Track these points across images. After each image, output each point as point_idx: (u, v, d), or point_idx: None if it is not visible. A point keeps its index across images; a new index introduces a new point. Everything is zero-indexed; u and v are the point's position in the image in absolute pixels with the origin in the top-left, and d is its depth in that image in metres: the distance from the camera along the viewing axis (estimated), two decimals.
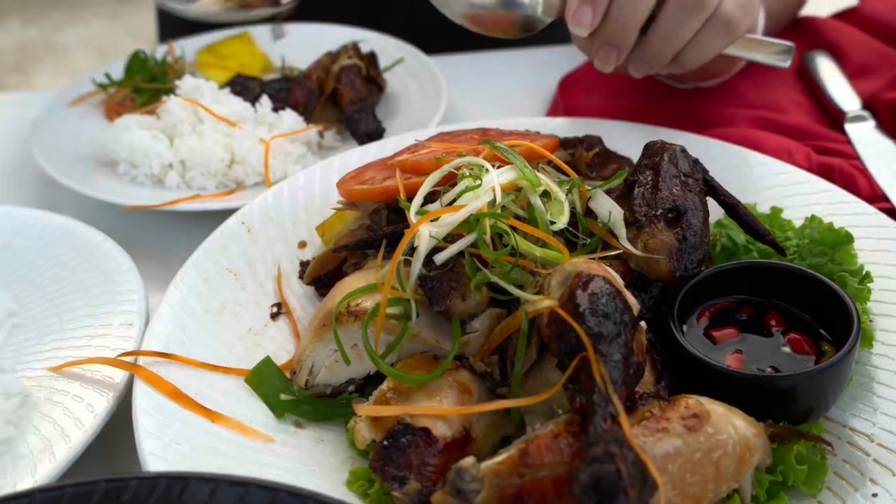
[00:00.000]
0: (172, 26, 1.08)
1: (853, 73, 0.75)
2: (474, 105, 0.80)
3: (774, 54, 0.60)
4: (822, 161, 0.61)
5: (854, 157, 0.64)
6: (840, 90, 0.73)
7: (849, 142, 0.66)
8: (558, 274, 0.41)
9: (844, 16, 0.86)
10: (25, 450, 0.44)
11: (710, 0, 0.56)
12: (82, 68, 3.42)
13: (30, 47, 3.63)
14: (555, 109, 0.76)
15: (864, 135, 0.66)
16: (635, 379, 0.38)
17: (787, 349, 0.42)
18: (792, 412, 0.40)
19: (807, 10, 0.90)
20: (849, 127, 0.68)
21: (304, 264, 0.55)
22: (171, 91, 0.73)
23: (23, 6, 3.99)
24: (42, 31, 3.75)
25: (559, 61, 0.87)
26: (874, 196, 0.59)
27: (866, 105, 0.70)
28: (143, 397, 0.43)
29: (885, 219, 0.51)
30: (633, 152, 0.56)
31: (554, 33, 0.72)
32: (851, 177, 0.60)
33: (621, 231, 0.45)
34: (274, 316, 0.51)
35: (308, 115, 0.71)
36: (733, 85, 0.77)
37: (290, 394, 0.45)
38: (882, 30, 0.80)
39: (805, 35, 0.85)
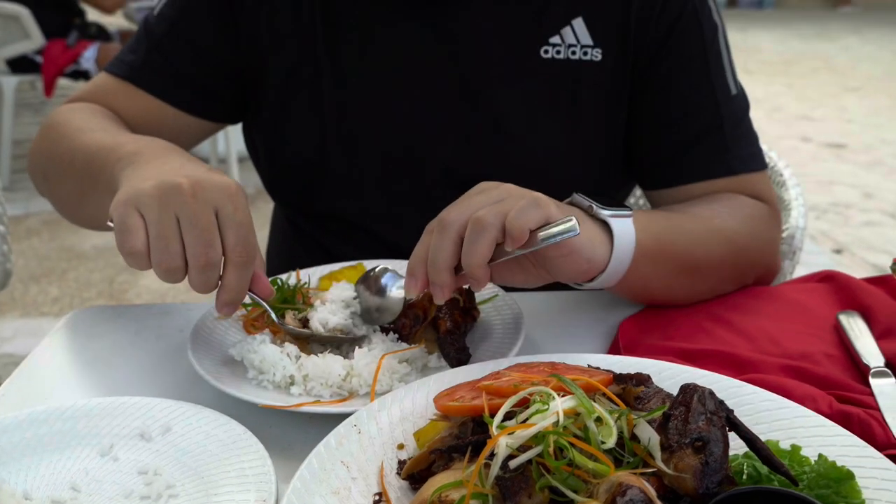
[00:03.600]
0: None
1: (880, 333, 0.90)
2: (546, 337, 0.97)
3: (563, 233, 0.76)
4: (842, 409, 0.74)
5: (875, 407, 0.77)
6: (867, 347, 0.87)
7: (871, 394, 0.79)
8: (605, 483, 0.55)
9: (877, 281, 1.02)
10: None
11: (485, 220, 0.75)
12: None
13: None
14: (614, 347, 0.92)
15: (884, 388, 0.79)
16: None
17: None
18: None
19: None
20: (872, 381, 0.81)
21: (401, 463, 0.70)
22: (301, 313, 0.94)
23: None
24: None
25: (622, 304, 1.04)
26: (888, 443, 0.71)
27: (888, 363, 0.83)
28: None
29: (888, 463, 0.63)
30: (676, 390, 0.71)
31: None
32: (868, 424, 0.72)
33: (657, 453, 0.59)
34: (376, 503, 0.66)
35: (412, 337, 0.90)
36: (774, 336, 0.92)
37: None
38: None
39: (842, 294, 1.01)
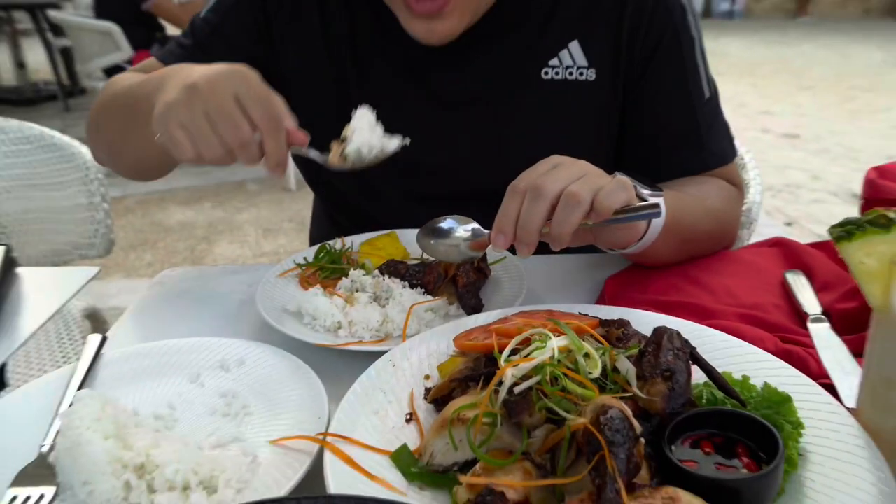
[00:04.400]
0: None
1: (819, 287, 0.90)
2: (545, 291, 0.98)
3: (646, 213, 0.75)
4: (785, 348, 0.75)
5: (812, 346, 0.77)
6: (808, 299, 0.87)
7: (809, 336, 0.80)
8: (591, 405, 0.57)
9: (818, 245, 1.02)
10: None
11: (580, 195, 0.72)
12: (251, 241, 3.86)
13: (216, 223, 4.14)
14: (601, 299, 0.94)
15: (820, 332, 0.80)
16: (635, 472, 0.52)
17: (741, 467, 0.55)
18: None
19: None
20: (811, 326, 0.82)
21: (427, 390, 0.72)
22: (345, 273, 0.96)
23: (216, 193, 4.59)
24: (226, 212, 4.28)
25: (607, 264, 1.05)
26: (821, 374, 0.72)
27: (825, 311, 0.84)
28: (330, 462, 0.60)
29: (820, 389, 0.64)
30: (650, 333, 0.72)
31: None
32: (805, 360, 0.73)
33: (633, 382, 0.60)
34: (408, 420, 0.68)
35: (435, 290, 0.91)
36: (732, 290, 0.93)
37: (417, 468, 0.61)
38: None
39: (789, 256, 1.01)
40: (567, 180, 0.76)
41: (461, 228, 0.88)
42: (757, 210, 1.33)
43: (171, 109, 0.78)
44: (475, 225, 0.87)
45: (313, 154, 0.85)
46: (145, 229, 3.99)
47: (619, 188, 0.75)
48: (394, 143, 0.86)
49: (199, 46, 1.11)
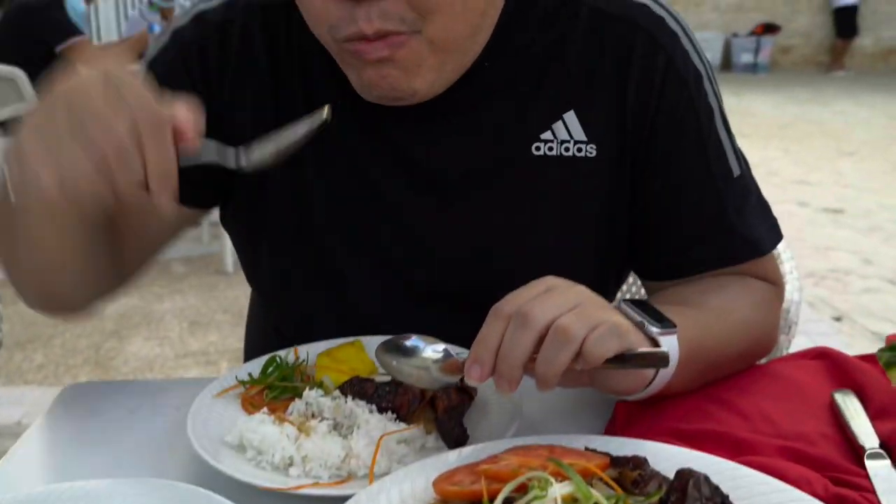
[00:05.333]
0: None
1: (874, 412, 0.93)
2: (543, 415, 0.99)
3: (650, 362, 0.79)
4: (837, 492, 0.77)
5: (870, 489, 0.79)
6: (862, 427, 0.89)
7: (866, 476, 0.81)
8: None
9: (869, 358, 1.05)
10: None
11: (571, 332, 0.76)
12: (173, 337, 3.82)
13: (129, 314, 4.10)
14: (611, 425, 0.95)
15: (880, 471, 0.82)
16: None
17: None
18: None
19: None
20: (868, 463, 0.84)
21: None
22: (298, 393, 0.96)
23: None
24: (142, 299, 4.25)
25: None
26: None
27: (883, 444, 0.86)
28: None
29: None
30: (672, 472, 0.73)
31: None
32: None
33: None
34: None
35: (410, 416, 0.92)
36: (770, 415, 0.95)
37: None
38: None
39: (836, 371, 1.04)
40: (559, 309, 0.78)
41: (429, 348, 0.89)
42: (796, 311, 1.38)
43: (22, 129, 0.72)
44: (445, 346, 0.88)
45: (213, 156, 0.80)
46: (38, 321, 3.93)
47: (611, 333, 0.77)
48: (316, 118, 0.85)
49: None
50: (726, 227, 1.08)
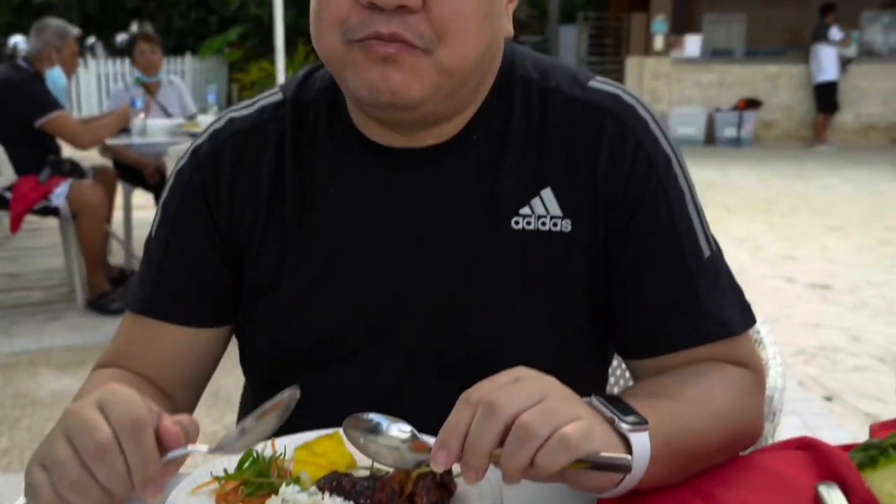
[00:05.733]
0: None
1: None
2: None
3: (611, 466, 0.82)
4: None
5: None
6: None
7: None
8: None
9: (853, 448, 1.07)
10: None
11: (532, 429, 0.79)
12: None
13: None
14: None
15: None
16: None
17: None
18: None
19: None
20: None
21: None
22: (274, 489, 0.96)
23: None
24: None
25: None
26: None
27: None
28: None
29: None
30: None
31: None
32: None
33: None
34: None
35: None
36: None
37: None
38: None
39: (821, 463, 1.06)
40: (525, 402, 0.82)
41: (394, 427, 0.92)
42: (780, 398, 1.40)
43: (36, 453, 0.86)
44: (409, 426, 0.91)
45: (199, 448, 0.90)
46: (5, 402, 3.87)
47: (561, 446, 0.80)
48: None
49: (158, 271, 1.20)
50: (697, 305, 1.12)
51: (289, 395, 0.93)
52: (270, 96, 1.25)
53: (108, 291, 5.08)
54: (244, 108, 1.25)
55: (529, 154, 1.14)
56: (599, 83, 1.19)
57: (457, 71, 1.04)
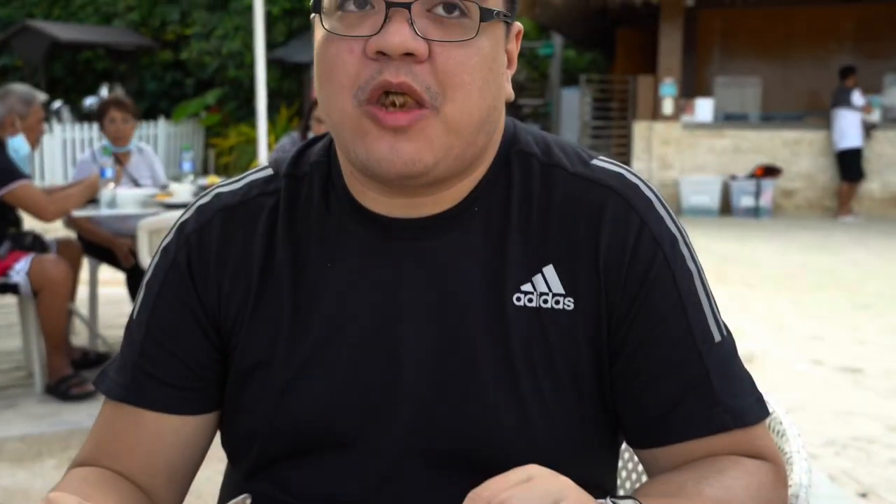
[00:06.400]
0: None
1: None
2: None
3: None
4: None
5: None
6: None
7: None
8: None
9: None
10: None
11: None
12: None
13: None
14: None
15: None
16: None
17: None
18: None
19: None
20: None
21: None
22: None
23: (63, 447, 4.44)
24: None
25: None
26: None
27: None
28: None
29: None
30: None
31: None
32: None
33: None
34: None
35: None
36: None
37: None
38: None
39: None
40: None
41: None
42: (806, 496, 1.40)
43: None
44: None
45: None
46: None
47: None
48: None
49: (140, 355, 1.22)
50: (709, 391, 1.14)
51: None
52: (259, 171, 1.30)
53: (69, 375, 5.03)
54: (232, 184, 1.29)
55: (531, 229, 1.18)
56: (603, 161, 1.24)
57: (463, 128, 1.09)
